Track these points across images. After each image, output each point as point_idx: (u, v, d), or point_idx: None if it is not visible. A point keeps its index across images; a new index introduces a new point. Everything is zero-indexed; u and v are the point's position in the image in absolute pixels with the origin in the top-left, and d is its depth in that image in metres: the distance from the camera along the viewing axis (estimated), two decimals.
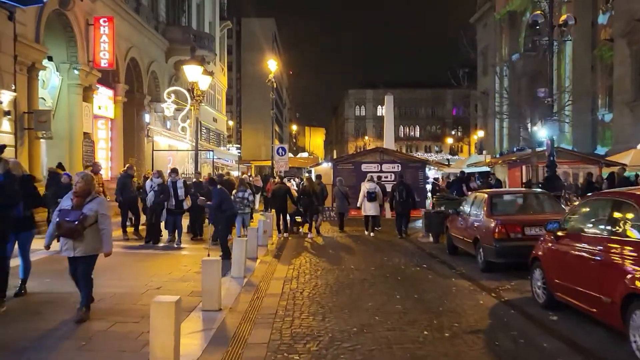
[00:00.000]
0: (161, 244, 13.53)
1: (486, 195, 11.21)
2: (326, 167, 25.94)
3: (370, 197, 16.91)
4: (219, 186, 12.38)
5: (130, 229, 14.37)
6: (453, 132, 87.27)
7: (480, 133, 53.28)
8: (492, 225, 10.14)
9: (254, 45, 71.39)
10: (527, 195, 12.09)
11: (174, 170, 14.02)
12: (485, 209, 10.79)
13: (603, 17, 42.65)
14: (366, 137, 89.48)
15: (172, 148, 27.40)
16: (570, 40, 23.78)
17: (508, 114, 61.76)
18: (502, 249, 9.87)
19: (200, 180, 15.32)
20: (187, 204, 13.56)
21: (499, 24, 64.23)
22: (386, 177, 24.97)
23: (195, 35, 29.07)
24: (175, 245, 13.28)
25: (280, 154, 24.60)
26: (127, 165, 15.44)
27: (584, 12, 44.24)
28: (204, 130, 33.89)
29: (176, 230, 13.53)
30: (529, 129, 58.92)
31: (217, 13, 38.98)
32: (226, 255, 11.26)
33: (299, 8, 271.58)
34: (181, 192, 13.33)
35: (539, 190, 13.48)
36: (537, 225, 9.43)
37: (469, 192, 19.11)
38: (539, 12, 21.68)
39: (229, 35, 74.83)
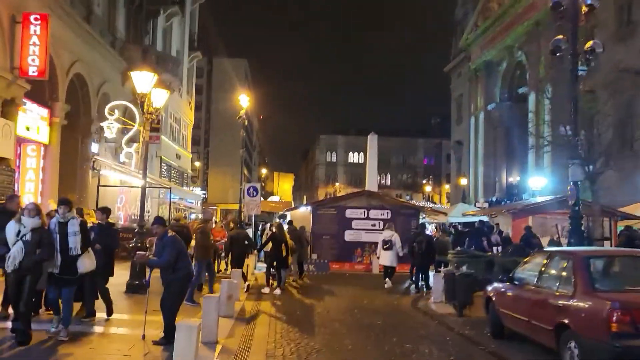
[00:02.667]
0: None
1: (575, 257, 7.18)
2: (304, 211, 21.81)
3: (386, 246, 15.25)
4: (171, 233, 8.04)
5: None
6: (424, 182, 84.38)
7: (463, 181, 50.06)
8: (603, 309, 6.11)
9: (225, 85, 67.66)
10: (631, 259, 7.97)
11: (103, 210, 9.55)
12: (578, 279, 6.78)
13: (582, 68, 40.71)
14: (337, 184, 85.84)
15: (125, 185, 22.88)
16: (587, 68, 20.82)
17: (484, 164, 59.26)
18: (627, 350, 5.84)
19: (111, 223, 9.68)
20: (85, 263, 7.54)
21: (474, 74, 62.43)
22: (374, 225, 20.97)
23: (159, 57, 25.07)
24: (61, 337, 7.41)
25: (252, 195, 20.38)
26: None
27: (562, 62, 42.43)
28: (164, 167, 29.51)
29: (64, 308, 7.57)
30: (506, 179, 55.67)
31: (186, 42, 35.20)
32: (169, 337, 7.00)
33: (270, 53, 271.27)
34: (74, 241, 7.31)
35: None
36: None
37: (492, 247, 15.21)
38: (560, 36, 18.33)
39: (199, 74, 71.29)
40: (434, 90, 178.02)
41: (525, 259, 9.03)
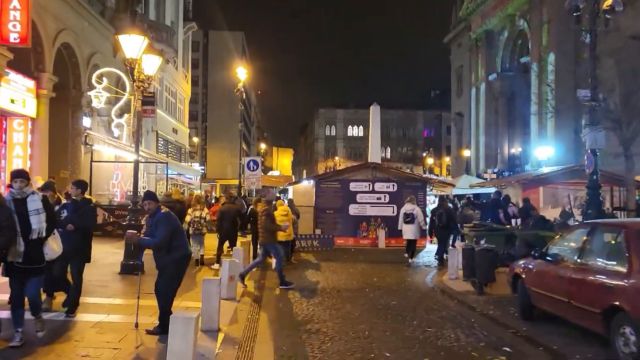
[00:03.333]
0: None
1: (628, 230, 6.22)
2: (307, 185, 20.87)
3: (407, 219, 14.73)
4: (164, 209, 7.09)
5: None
6: (424, 154, 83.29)
7: (467, 152, 48.96)
8: None
9: (222, 59, 65.96)
10: None
11: (78, 184, 7.84)
12: (633, 255, 5.84)
13: (586, 35, 39.42)
14: (337, 158, 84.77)
15: (120, 160, 21.87)
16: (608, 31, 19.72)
17: (485, 135, 58.12)
18: None
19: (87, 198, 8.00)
20: (53, 247, 6.28)
21: (475, 44, 60.94)
22: (379, 199, 20.06)
23: (151, 26, 23.80)
24: (38, 333, 6.31)
25: (252, 169, 19.41)
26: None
27: (565, 31, 41.25)
28: (161, 142, 28.43)
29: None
30: (508, 151, 54.58)
31: (181, 12, 33.76)
32: (164, 326, 6.14)
33: (268, 25, 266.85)
34: (37, 220, 5.95)
35: None
36: None
37: (509, 220, 14.28)
38: None
39: (195, 48, 69.51)
40: (434, 63, 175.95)
41: (561, 233, 8.09)
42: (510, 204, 15.25)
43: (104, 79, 20.08)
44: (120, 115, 21.11)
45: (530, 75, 47.31)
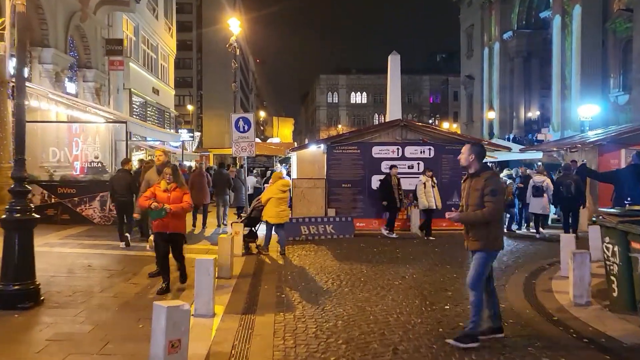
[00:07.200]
0: None
1: None
2: (315, 151, 15.49)
3: (537, 191, 13.48)
4: None
5: None
6: (431, 121, 77.65)
7: (491, 114, 43.31)
8: None
9: (218, 22, 59.78)
10: None
11: None
12: None
13: None
14: (340, 126, 79.05)
15: (73, 120, 16.47)
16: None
17: (499, 99, 52.30)
18: None
19: None
20: None
21: (488, 0, 54.84)
22: (411, 167, 14.75)
23: None
24: None
25: (242, 129, 14.08)
26: None
27: None
28: (137, 102, 22.90)
29: None
30: (524, 115, 48.67)
31: None
32: None
33: None
34: None
35: None
36: None
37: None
38: None
39: (187, 10, 63.21)
40: (441, 25, 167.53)
41: None
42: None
43: None
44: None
45: (552, 31, 41.67)
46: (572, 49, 38.18)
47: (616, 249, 6.06)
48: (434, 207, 12.88)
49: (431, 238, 12.60)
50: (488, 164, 18.56)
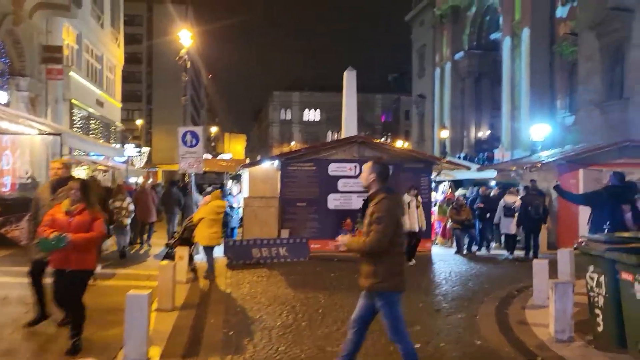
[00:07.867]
0: None
1: None
2: (268, 168, 14.60)
3: (508, 211, 13.20)
4: None
5: None
6: (383, 140, 77.98)
7: (444, 133, 43.63)
8: None
9: (168, 35, 58.26)
10: None
11: None
12: None
13: (562, 9, 34.84)
14: (293, 142, 78.27)
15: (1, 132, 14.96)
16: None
17: (450, 118, 52.97)
18: None
19: None
20: None
21: (439, 21, 55.67)
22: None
23: None
24: None
25: (191, 144, 13.02)
26: None
27: (540, 4, 36.73)
28: (78, 115, 21.41)
29: None
30: (475, 134, 49.34)
31: None
32: None
33: (218, 4, 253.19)
34: None
35: None
36: None
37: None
38: None
39: (138, 22, 61.38)
40: (392, 46, 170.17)
41: None
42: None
43: None
44: None
45: (502, 53, 42.48)
46: (522, 70, 38.98)
47: (602, 279, 5.47)
48: (416, 230, 11.92)
49: (410, 263, 11.23)
50: (443, 183, 18.08)
